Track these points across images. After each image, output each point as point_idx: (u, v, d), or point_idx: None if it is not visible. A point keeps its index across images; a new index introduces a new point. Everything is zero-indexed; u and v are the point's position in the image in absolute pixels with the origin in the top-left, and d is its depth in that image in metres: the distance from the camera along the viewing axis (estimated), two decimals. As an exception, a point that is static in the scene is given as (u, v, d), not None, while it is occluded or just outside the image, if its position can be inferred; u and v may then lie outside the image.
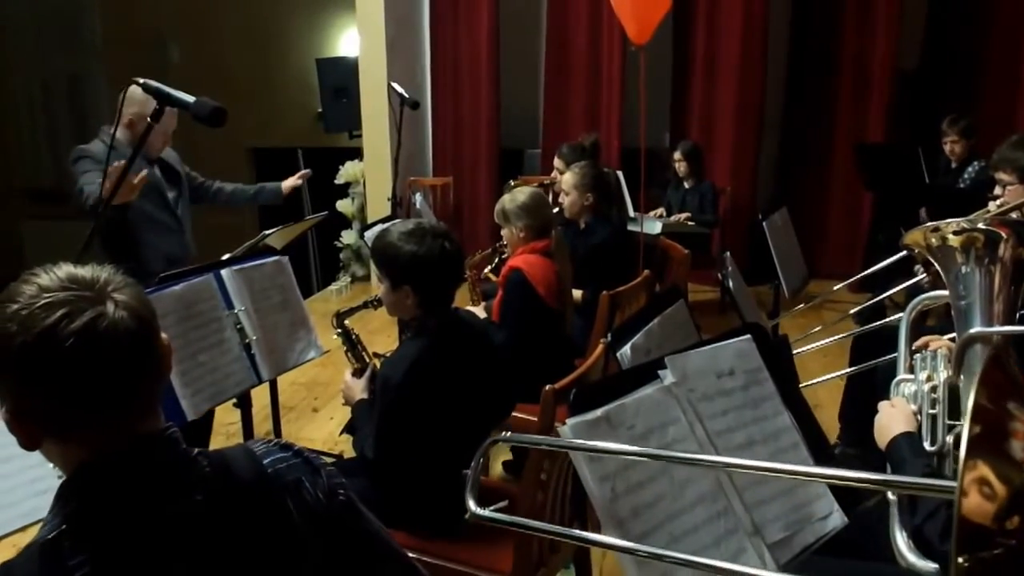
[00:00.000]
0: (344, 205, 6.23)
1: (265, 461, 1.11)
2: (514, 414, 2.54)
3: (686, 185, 5.53)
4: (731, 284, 2.18)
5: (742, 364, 1.46)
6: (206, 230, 3.81)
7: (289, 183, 3.60)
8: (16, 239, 8.74)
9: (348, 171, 6.17)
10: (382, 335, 4.57)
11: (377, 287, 2.20)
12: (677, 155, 5.50)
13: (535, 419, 2.81)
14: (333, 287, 6.28)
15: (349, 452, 3.15)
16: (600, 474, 1.18)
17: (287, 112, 7.63)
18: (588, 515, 2.46)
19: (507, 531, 2.19)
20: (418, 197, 3.80)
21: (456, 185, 6.32)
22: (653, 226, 4.78)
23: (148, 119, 2.82)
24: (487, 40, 6.07)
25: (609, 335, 1.93)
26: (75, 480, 1.00)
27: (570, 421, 1.26)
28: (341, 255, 6.46)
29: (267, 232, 2.98)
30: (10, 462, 1.78)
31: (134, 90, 3.04)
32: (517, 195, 3.08)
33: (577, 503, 2.33)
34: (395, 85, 3.94)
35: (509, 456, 3.38)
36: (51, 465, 1.78)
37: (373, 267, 2.17)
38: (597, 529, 1.24)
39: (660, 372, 1.37)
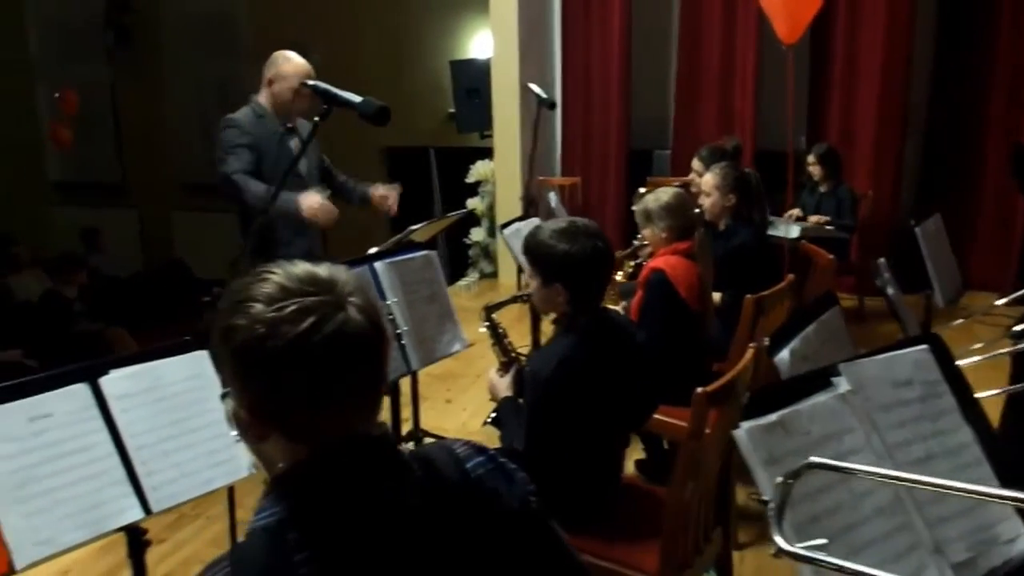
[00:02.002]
0: (474, 203, 6.34)
1: (467, 465, 1.11)
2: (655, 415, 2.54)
3: (821, 189, 5.34)
4: (891, 292, 2.10)
5: (920, 375, 1.40)
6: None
7: (380, 192, 3.48)
8: (167, 228, 9.35)
9: (479, 170, 6.28)
10: (520, 325, 4.60)
11: (527, 283, 2.23)
12: (811, 158, 5.32)
13: (674, 421, 2.82)
14: (461, 283, 6.41)
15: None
16: (777, 479, 1.16)
17: (420, 113, 7.83)
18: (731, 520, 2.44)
19: (652, 530, 2.21)
20: (552, 196, 3.83)
21: (584, 185, 6.33)
22: (791, 230, 4.65)
23: (290, 85, 3.13)
24: (619, 41, 6.05)
25: (766, 339, 1.90)
26: (295, 474, 1.02)
27: (745, 425, 1.24)
28: (470, 252, 6.58)
29: (413, 227, 3.08)
30: (193, 433, 1.92)
31: (274, 54, 3.29)
32: (661, 195, 3.06)
33: (720, 507, 2.31)
34: (532, 86, 3.99)
35: (642, 455, 3.36)
36: (226, 437, 1.95)
37: (524, 263, 2.20)
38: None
39: (834, 379, 1.34)
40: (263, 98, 3.33)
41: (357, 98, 2.01)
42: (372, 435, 1.04)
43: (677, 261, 3.00)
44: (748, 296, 2.79)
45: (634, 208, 4.07)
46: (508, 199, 6.13)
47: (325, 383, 0.97)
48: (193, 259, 8.50)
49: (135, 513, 1.79)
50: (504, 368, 2.44)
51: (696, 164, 4.19)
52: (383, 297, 2.44)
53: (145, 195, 9.42)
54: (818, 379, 1.34)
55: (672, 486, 2.00)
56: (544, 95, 3.78)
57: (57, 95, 8.19)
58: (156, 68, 9.13)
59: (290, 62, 3.25)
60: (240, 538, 2.22)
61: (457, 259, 6.91)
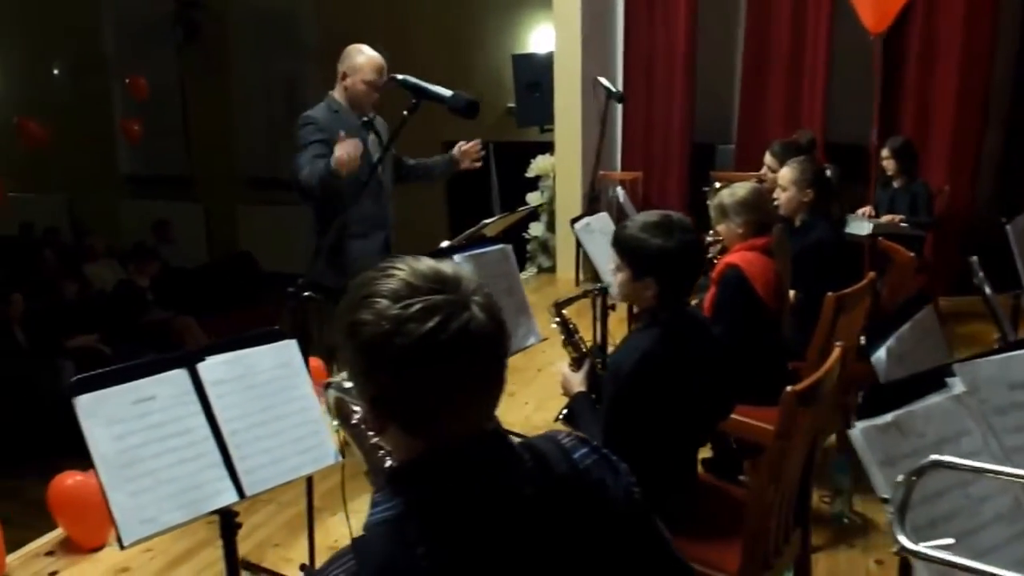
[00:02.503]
0: (534, 198, 6.35)
1: (574, 455, 1.12)
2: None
3: (895, 184, 5.21)
4: (988, 291, 2.05)
5: (1036, 376, 1.37)
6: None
7: (463, 147, 3.48)
8: (232, 221, 9.55)
9: (539, 164, 6.28)
10: (581, 319, 4.59)
11: (614, 276, 2.21)
12: (885, 152, 5.17)
13: (750, 420, 2.79)
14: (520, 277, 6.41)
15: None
16: (899, 477, 1.14)
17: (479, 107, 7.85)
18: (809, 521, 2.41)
19: (731, 529, 2.19)
20: (620, 191, 3.81)
21: (645, 180, 6.28)
22: (862, 226, 4.55)
23: (363, 78, 3.20)
24: (684, 34, 5.98)
25: (862, 338, 1.87)
26: (413, 468, 1.03)
27: (860, 424, 1.23)
28: (528, 247, 6.59)
29: (486, 221, 3.09)
30: (281, 420, 1.96)
31: (348, 48, 3.33)
32: (737, 190, 3.02)
33: (800, 509, 2.28)
34: (601, 79, 3.96)
35: (708, 453, 3.33)
36: (312, 425, 1.99)
37: (612, 256, 2.18)
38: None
39: (948, 380, 1.31)
40: (338, 93, 3.38)
41: (447, 92, 2.02)
42: (488, 429, 1.05)
43: (754, 257, 2.95)
44: (829, 294, 2.74)
45: (709, 203, 4.03)
46: (568, 194, 6.12)
47: (449, 381, 0.98)
48: (257, 252, 8.66)
49: (230, 496, 1.84)
50: (576, 363, 2.44)
51: (769, 159, 4.12)
52: (463, 290, 2.44)
53: (211, 189, 9.64)
54: (932, 379, 1.32)
55: (756, 486, 1.98)
56: (613, 88, 3.75)
57: (127, 81, 8.38)
58: (224, 64, 9.33)
59: (363, 55, 3.30)
60: (317, 525, 2.26)
61: (515, 254, 6.92)
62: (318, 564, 2.71)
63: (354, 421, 1.55)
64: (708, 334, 2.28)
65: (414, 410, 1.00)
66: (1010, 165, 5.78)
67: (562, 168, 6.12)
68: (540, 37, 7.64)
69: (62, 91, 9.81)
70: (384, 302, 0.98)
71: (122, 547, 1.68)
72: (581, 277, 6.08)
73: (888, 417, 1.23)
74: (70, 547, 3.00)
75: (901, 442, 1.22)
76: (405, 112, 2.12)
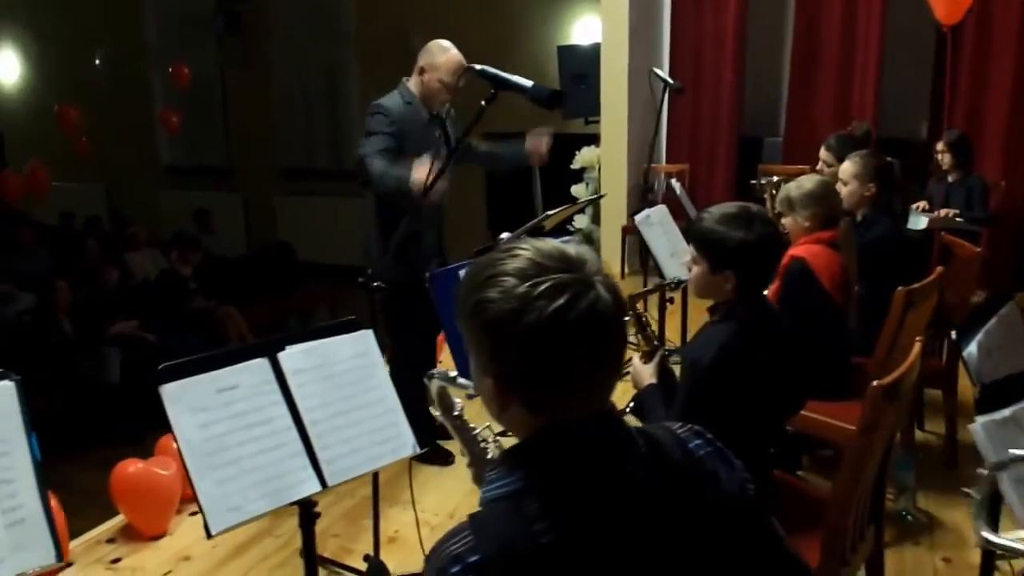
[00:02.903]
0: (578, 190, 6.31)
1: (689, 446, 1.12)
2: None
3: (950, 179, 5.12)
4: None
5: None
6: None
7: (534, 142, 3.43)
8: (270, 212, 9.61)
9: (584, 157, 6.24)
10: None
11: (689, 269, 2.19)
12: (940, 145, 5.09)
13: (814, 415, 2.76)
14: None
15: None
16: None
17: (519, 97, 7.82)
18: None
19: (805, 523, 2.16)
20: (676, 184, 3.77)
21: (692, 172, 6.23)
22: (919, 221, 4.48)
23: (439, 77, 3.10)
24: (734, 24, 5.92)
25: (954, 333, 1.83)
26: (532, 445, 1.05)
27: (980, 419, 1.20)
28: (572, 239, 6.56)
29: (549, 212, 3.07)
30: (360, 411, 1.97)
31: (431, 43, 3.26)
32: (804, 182, 2.98)
33: (874, 505, 2.25)
34: (657, 70, 3.92)
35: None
36: (390, 415, 1.99)
37: (691, 249, 2.15)
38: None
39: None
40: (413, 84, 3.30)
41: (527, 82, 2.01)
42: (605, 410, 1.06)
43: (820, 250, 2.91)
44: (899, 289, 2.69)
45: (768, 196, 3.99)
46: (613, 186, 6.08)
47: (575, 360, 0.99)
48: (294, 242, 8.70)
49: (312, 485, 1.84)
50: (647, 356, 2.42)
51: (824, 153, 4.05)
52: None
53: (250, 179, 9.70)
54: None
55: (840, 482, 1.96)
56: (670, 80, 3.71)
57: (170, 69, 8.44)
58: (264, 55, 9.36)
59: (445, 54, 3.22)
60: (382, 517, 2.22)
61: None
62: (383, 555, 2.74)
63: (455, 413, 1.55)
64: (783, 328, 2.25)
65: (539, 388, 1.01)
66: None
67: (608, 160, 6.08)
68: (584, 28, 7.59)
69: (103, 81, 9.89)
70: (511, 280, 0.99)
71: (209, 535, 1.69)
72: (627, 269, 6.05)
73: (1006, 412, 1.20)
74: (131, 534, 3.03)
75: (1020, 437, 1.19)
76: (483, 102, 2.11)
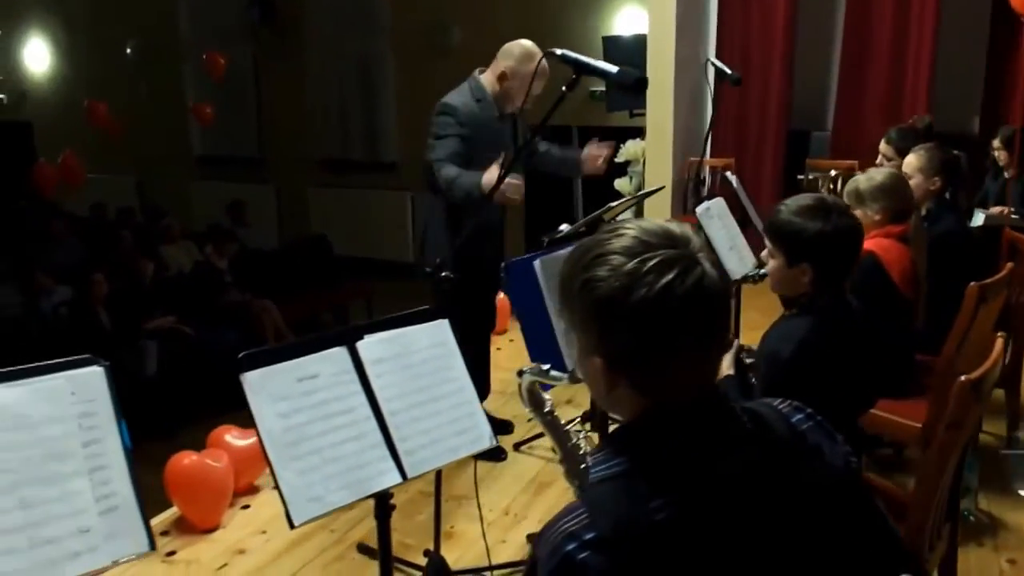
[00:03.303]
0: (622, 183, 6.24)
1: (791, 420, 1.12)
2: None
3: (1006, 175, 5.01)
4: None
5: None
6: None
7: (593, 151, 3.34)
8: (303, 204, 9.60)
9: (629, 149, 6.17)
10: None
11: (767, 263, 2.14)
12: (996, 142, 4.98)
13: (880, 413, 2.69)
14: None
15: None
16: None
17: (559, 91, 7.75)
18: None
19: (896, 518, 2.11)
20: (733, 177, 3.70)
21: (737, 166, 6.13)
22: (975, 217, 4.38)
23: (521, 86, 2.99)
24: (784, 15, 5.81)
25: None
26: (639, 426, 1.05)
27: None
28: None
29: (612, 204, 3.02)
30: (438, 401, 1.92)
31: (511, 45, 3.14)
32: (874, 175, 2.90)
33: (951, 503, 2.19)
34: (715, 60, 3.85)
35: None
36: (467, 406, 1.94)
37: (767, 242, 2.11)
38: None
39: None
40: (487, 80, 3.18)
41: (612, 68, 1.95)
42: (711, 387, 1.06)
43: (890, 244, 2.84)
44: (972, 284, 2.62)
45: (832, 191, 3.90)
46: (658, 179, 6.00)
47: (683, 336, 1.00)
48: (330, 236, 8.66)
49: (393, 477, 1.80)
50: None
51: (884, 147, 3.96)
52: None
53: (283, 171, 9.69)
54: None
55: (923, 479, 1.93)
56: (728, 70, 3.64)
57: (204, 57, 8.42)
58: (298, 45, 9.34)
59: (531, 63, 3.04)
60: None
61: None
62: (443, 550, 2.70)
63: (547, 409, 1.50)
64: (862, 322, 2.19)
65: (647, 366, 1.01)
66: None
67: (653, 153, 6.01)
68: (626, 19, 7.50)
69: (135, 71, 9.92)
70: (619, 258, 1.00)
71: (292, 526, 1.65)
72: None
73: None
74: (185, 527, 3.01)
75: None
76: (564, 88, 2.05)
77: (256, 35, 9.49)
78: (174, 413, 5.53)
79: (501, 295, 3.90)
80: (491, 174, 2.85)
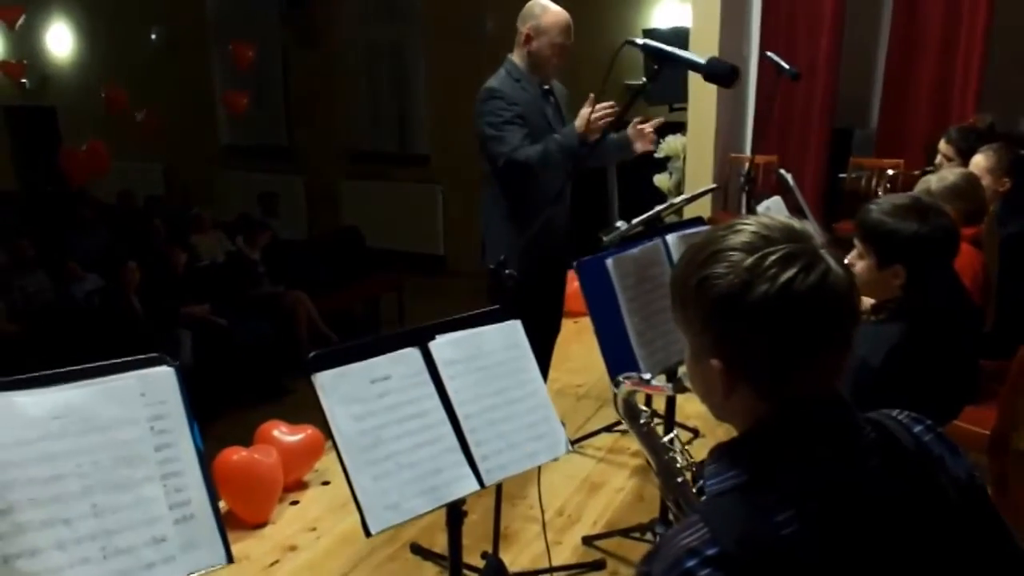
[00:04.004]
0: (661, 180, 6.13)
1: (914, 430, 1.06)
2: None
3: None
4: None
5: None
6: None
7: (638, 126, 3.12)
8: (334, 196, 9.54)
9: (669, 145, 6.05)
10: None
11: (855, 261, 2.04)
12: (1052, 142, 4.84)
13: (957, 422, 2.59)
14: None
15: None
16: None
17: (594, 84, 7.63)
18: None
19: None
20: (788, 176, 3.60)
21: (780, 164, 6.00)
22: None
23: (551, 40, 2.96)
24: (832, 11, 5.67)
25: None
26: (759, 434, 1.00)
27: None
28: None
29: (674, 201, 2.93)
30: (514, 404, 1.85)
31: (528, 6, 3.04)
32: (947, 175, 2.80)
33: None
34: (771, 55, 3.74)
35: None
36: (543, 410, 1.87)
37: (856, 242, 2.02)
38: None
39: None
40: (518, 57, 3.08)
41: (700, 58, 1.86)
42: (835, 393, 1.00)
43: (963, 248, 2.71)
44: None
45: (889, 190, 3.79)
46: (699, 176, 5.89)
47: (807, 334, 0.95)
48: (360, 228, 8.61)
49: (470, 484, 1.73)
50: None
51: (944, 147, 3.82)
52: (674, 272, 2.29)
53: (312, 161, 9.62)
54: None
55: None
56: (786, 66, 3.53)
57: (231, 47, 8.35)
58: (327, 32, 9.25)
59: (549, 13, 2.99)
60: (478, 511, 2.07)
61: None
62: (502, 553, 2.63)
63: (642, 420, 1.42)
64: (958, 328, 2.09)
65: (768, 367, 0.97)
66: None
67: (694, 149, 5.89)
68: (664, 12, 7.39)
69: (160, 57, 9.86)
70: (738, 254, 0.95)
71: (368, 534, 1.58)
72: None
73: None
74: (233, 522, 2.95)
75: None
76: (644, 79, 1.98)
77: (286, 23, 9.42)
78: (208, 403, 5.50)
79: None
80: (581, 115, 2.80)
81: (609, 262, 2.09)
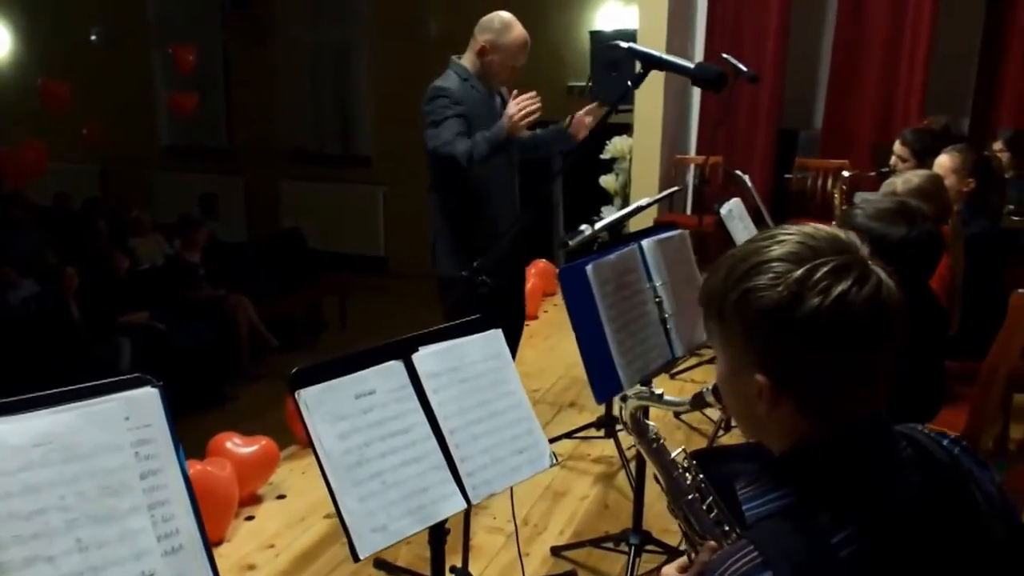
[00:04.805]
0: (608, 181, 6.14)
1: (943, 443, 1.05)
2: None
3: (1007, 176, 5.01)
4: None
5: None
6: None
7: (578, 115, 3.17)
8: (272, 196, 9.31)
9: (615, 146, 6.07)
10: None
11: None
12: (998, 145, 4.98)
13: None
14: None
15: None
16: None
17: (537, 85, 7.60)
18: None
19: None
20: (745, 176, 3.63)
21: (726, 165, 6.07)
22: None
23: (503, 60, 2.97)
24: (777, 11, 5.76)
25: None
26: (804, 454, 0.96)
27: None
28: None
29: (641, 203, 2.92)
30: (497, 417, 1.79)
31: (488, 18, 3.06)
32: (912, 178, 2.84)
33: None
34: (728, 57, 3.76)
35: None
36: (526, 422, 1.82)
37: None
38: None
39: None
40: (468, 61, 3.08)
41: (689, 64, 1.84)
42: (879, 411, 0.98)
43: (927, 250, 2.78)
44: (1020, 292, 2.56)
45: (844, 191, 3.85)
46: (645, 177, 5.93)
47: (859, 348, 0.92)
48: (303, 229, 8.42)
49: (457, 503, 1.67)
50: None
51: (899, 148, 3.90)
52: (649, 278, 2.27)
53: (253, 162, 9.38)
54: None
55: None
56: (744, 68, 3.56)
57: (172, 51, 8.09)
58: (271, 33, 9.03)
59: (511, 32, 3.00)
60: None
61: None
62: (472, 567, 2.57)
63: (651, 436, 1.38)
64: (930, 332, 2.12)
65: (818, 383, 0.93)
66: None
67: (640, 150, 5.92)
68: (608, 14, 7.41)
69: (99, 57, 9.50)
70: (784, 265, 0.92)
71: (356, 559, 1.51)
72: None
73: None
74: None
75: None
76: (629, 83, 1.94)
77: (228, 23, 9.16)
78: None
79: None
80: (507, 110, 2.81)
81: (589, 268, 2.05)
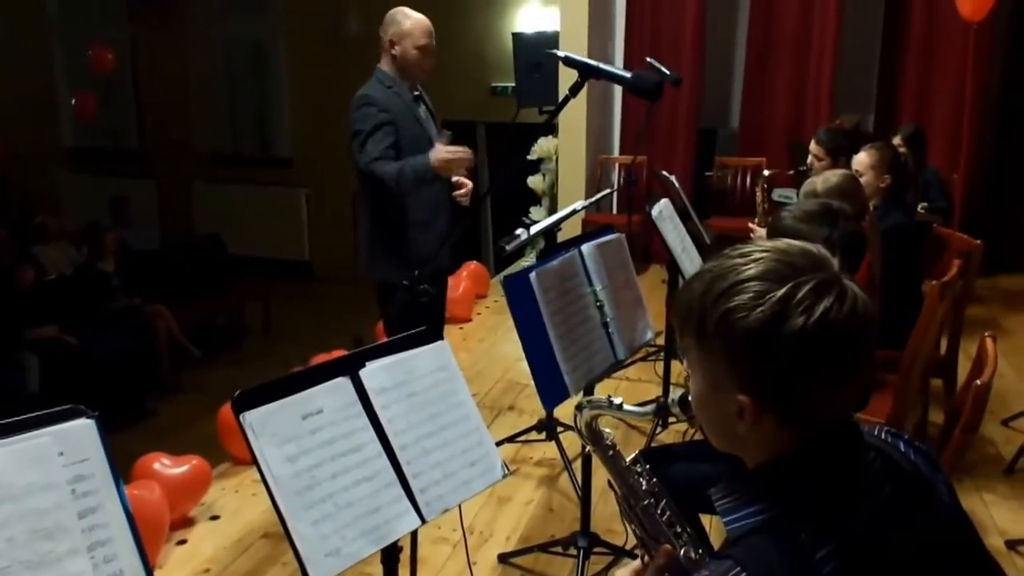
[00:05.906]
0: (535, 181, 6.16)
1: (903, 451, 1.07)
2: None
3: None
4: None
5: None
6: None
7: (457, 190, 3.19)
8: (186, 200, 9.01)
9: (541, 147, 6.09)
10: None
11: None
12: (898, 140, 5.19)
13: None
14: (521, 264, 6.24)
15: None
16: None
17: (461, 86, 7.57)
18: None
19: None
20: (672, 177, 3.68)
21: (649, 164, 6.17)
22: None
23: (415, 44, 3.04)
24: (694, 12, 5.87)
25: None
26: (782, 467, 0.97)
27: None
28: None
29: (576, 207, 2.93)
30: (447, 430, 1.76)
31: (388, 15, 3.13)
32: (830, 177, 2.92)
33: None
34: (652, 61, 3.81)
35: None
36: (476, 434, 1.79)
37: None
38: None
39: None
40: (386, 64, 3.13)
41: (626, 72, 1.85)
42: (851, 419, 1.00)
43: (847, 246, 2.88)
44: (932, 283, 2.69)
45: (766, 190, 3.95)
46: (572, 177, 5.97)
47: (839, 363, 0.93)
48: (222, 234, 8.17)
49: (411, 521, 1.63)
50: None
51: (814, 147, 4.02)
52: (590, 283, 2.28)
53: (165, 165, 9.05)
54: None
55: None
56: (667, 71, 3.61)
57: (91, 53, 7.73)
58: (181, 26, 8.72)
59: (409, 18, 3.09)
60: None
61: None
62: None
63: (607, 442, 1.38)
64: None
65: (800, 398, 0.94)
66: (1001, 152, 5.89)
67: (566, 151, 5.96)
68: (529, 17, 7.43)
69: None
70: (763, 284, 0.92)
71: (308, 581, 1.46)
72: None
73: None
74: (115, 567, 2.71)
75: None
76: (567, 92, 1.93)
77: (135, 15, 8.80)
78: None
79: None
80: (438, 151, 2.88)
81: (532, 276, 2.04)
